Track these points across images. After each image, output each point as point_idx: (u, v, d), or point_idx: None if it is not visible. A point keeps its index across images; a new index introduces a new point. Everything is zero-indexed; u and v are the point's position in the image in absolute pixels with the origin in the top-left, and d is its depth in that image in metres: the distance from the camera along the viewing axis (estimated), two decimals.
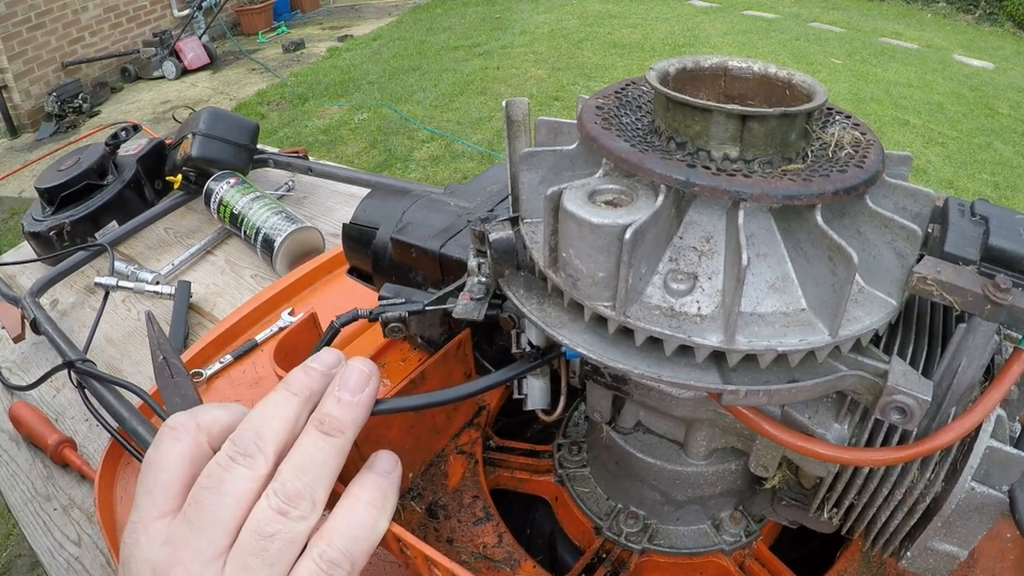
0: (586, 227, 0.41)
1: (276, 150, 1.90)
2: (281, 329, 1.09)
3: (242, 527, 0.39)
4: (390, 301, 0.63)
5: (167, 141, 1.79)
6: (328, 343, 0.65)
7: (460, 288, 0.60)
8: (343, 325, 0.64)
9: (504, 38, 6.75)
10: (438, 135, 4.83)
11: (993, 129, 5.05)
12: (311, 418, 0.43)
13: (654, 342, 0.43)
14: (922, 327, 0.50)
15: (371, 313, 0.63)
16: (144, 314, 0.59)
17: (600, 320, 0.45)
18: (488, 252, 0.53)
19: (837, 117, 0.51)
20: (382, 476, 0.44)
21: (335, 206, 1.70)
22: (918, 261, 0.43)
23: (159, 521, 0.39)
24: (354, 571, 0.40)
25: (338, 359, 0.46)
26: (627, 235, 0.39)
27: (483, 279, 0.57)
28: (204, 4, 6.53)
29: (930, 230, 0.50)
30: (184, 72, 6.26)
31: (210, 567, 0.37)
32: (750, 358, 0.42)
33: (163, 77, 6.20)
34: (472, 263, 0.58)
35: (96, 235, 1.60)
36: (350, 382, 0.44)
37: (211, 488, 0.39)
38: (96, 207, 1.60)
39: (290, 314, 1.12)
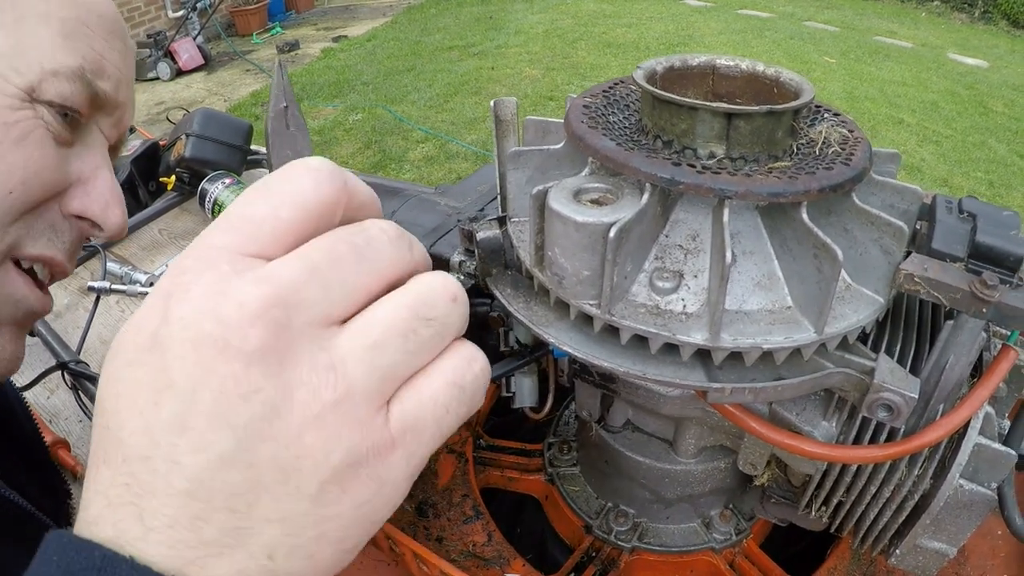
0: (571, 225, 0.41)
1: None
2: None
3: (362, 311, 0.30)
4: None
5: (161, 142, 1.78)
6: None
7: None
8: None
9: (499, 38, 6.75)
10: (432, 135, 4.83)
11: (987, 127, 5.07)
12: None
13: (640, 340, 0.43)
14: (910, 324, 0.50)
15: None
16: (276, 64, 0.49)
17: (586, 318, 0.45)
18: (475, 251, 0.53)
19: (825, 115, 0.51)
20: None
21: None
22: (905, 258, 0.43)
23: (247, 258, 0.29)
24: (473, 403, 0.34)
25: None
26: (611, 233, 0.39)
27: (462, 276, 0.57)
28: (199, 5, 6.52)
29: (918, 227, 0.50)
30: (179, 73, 6.24)
31: (321, 332, 0.28)
32: (736, 356, 0.42)
33: (158, 78, 6.19)
34: (454, 259, 0.58)
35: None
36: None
37: (353, 245, 0.30)
38: None
39: None
